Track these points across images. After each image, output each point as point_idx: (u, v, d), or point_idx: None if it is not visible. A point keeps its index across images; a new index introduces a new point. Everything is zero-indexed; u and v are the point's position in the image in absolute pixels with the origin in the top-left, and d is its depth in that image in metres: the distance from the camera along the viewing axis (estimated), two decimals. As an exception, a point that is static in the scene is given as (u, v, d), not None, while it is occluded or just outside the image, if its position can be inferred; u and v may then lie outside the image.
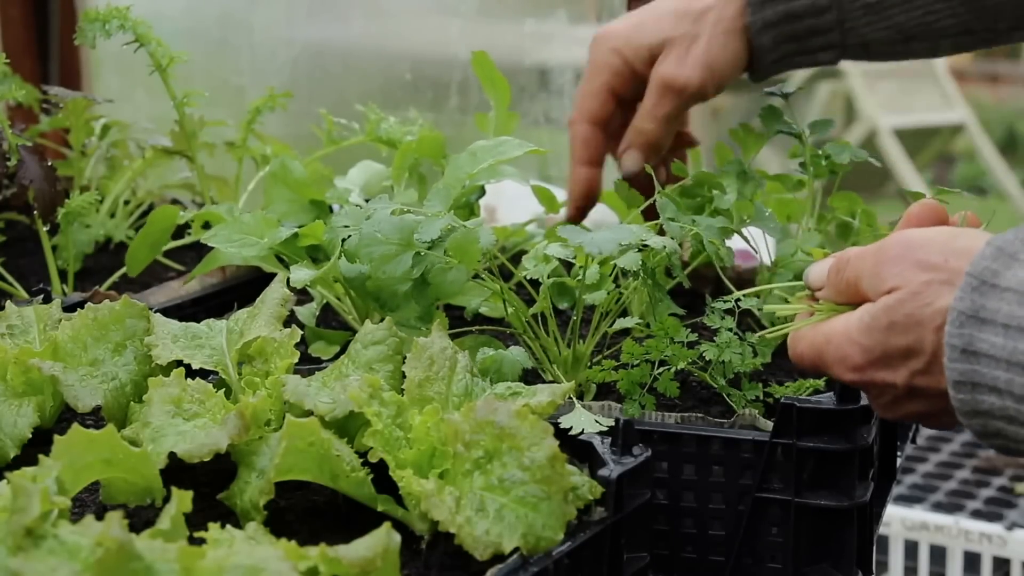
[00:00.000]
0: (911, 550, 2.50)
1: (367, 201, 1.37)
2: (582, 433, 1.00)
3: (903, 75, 6.44)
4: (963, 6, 1.27)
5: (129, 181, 1.70)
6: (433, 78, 2.31)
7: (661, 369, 1.14)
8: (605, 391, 1.19)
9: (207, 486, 0.96)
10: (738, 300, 1.14)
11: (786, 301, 1.05)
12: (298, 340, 1.06)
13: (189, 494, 0.79)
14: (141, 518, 0.93)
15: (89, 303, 1.10)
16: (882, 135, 6.21)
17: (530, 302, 1.24)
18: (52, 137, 1.90)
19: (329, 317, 1.42)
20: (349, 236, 1.18)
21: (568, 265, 1.32)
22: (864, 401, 1.07)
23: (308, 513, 0.96)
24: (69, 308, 1.19)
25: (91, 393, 1.02)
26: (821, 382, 1.15)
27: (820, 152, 1.36)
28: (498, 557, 0.83)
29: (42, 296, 1.25)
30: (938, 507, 2.55)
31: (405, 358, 1.01)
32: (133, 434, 0.96)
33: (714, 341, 1.13)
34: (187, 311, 1.42)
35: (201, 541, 0.78)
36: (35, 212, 1.45)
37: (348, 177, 1.56)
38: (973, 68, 7.61)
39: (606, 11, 2.30)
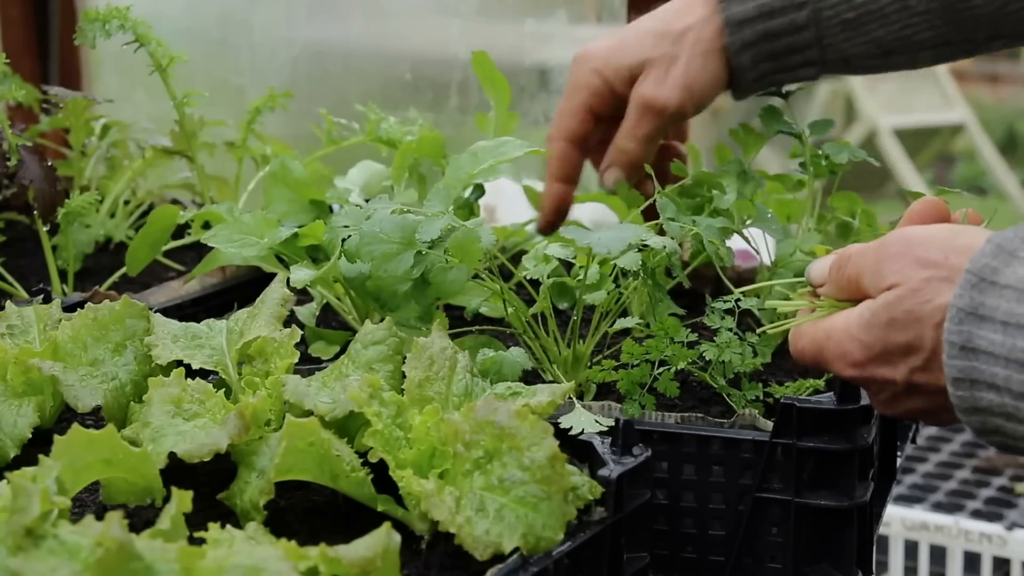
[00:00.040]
0: (911, 550, 2.50)
1: (367, 201, 1.37)
2: (582, 433, 1.00)
3: (903, 75, 6.41)
4: (940, 19, 1.27)
5: (129, 181, 1.70)
6: (433, 78, 2.31)
7: (661, 369, 1.14)
8: (605, 391, 1.19)
9: (207, 486, 0.96)
10: (738, 300, 1.14)
11: (787, 298, 1.05)
12: (298, 340, 1.06)
13: (189, 494, 0.79)
14: (141, 518, 0.93)
15: (89, 303, 1.10)
16: (882, 135, 6.21)
17: (530, 302, 1.24)
18: (52, 137, 1.90)
19: (329, 317, 1.42)
20: (349, 236, 1.19)
21: (568, 265, 1.32)
22: (864, 401, 1.07)
23: (308, 513, 0.96)
24: (69, 308, 1.19)
25: (91, 393, 1.02)
26: (821, 382, 1.15)
27: (820, 152, 1.36)
28: (498, 557, 0.82)
29: (42, 296, 1.25)
30: (938, 507, 2.55)
31: (405, 358, 1.01)
32: (133, 434, 0.96)
33: (714, 341, 1.13)
34: (187, 311, 1.42)
35: (201, 541, 0.78)
36: (35, 212, 1.45)
37: (348, 177, 1.56)
38: (973, 68, 7.59)
39: (606, 11, 2.30)
